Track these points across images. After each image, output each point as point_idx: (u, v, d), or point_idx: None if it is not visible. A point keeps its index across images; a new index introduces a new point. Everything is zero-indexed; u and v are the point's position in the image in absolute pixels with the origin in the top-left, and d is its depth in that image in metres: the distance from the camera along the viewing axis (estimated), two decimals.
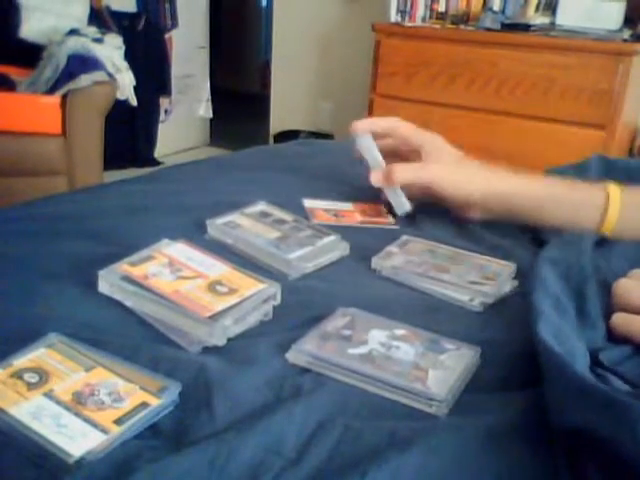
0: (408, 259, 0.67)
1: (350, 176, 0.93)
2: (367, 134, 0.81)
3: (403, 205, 0.79)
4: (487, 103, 2.60)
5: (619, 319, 0.53)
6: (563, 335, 0.47)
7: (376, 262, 0.66)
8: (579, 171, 0.90)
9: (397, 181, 0.77)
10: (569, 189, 0.76)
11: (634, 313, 0.53)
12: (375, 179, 0.79)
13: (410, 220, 0.81)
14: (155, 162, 3.69)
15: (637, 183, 0.76)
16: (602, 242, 0.69)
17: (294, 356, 0.49)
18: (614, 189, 0.74)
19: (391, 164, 0.79)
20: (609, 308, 0.55)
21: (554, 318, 0.49)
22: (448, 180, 0.77)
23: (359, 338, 0.51)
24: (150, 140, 3.72)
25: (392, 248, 0.69)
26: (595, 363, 0.47)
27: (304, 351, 0.49)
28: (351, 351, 0.49)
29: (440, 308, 0.60)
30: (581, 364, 0.44)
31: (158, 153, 3.78)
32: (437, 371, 0.48)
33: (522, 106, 2.53)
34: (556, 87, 2.45)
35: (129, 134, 3.57)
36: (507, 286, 0.64)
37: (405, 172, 0.78)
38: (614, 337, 0.52)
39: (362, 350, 0.50)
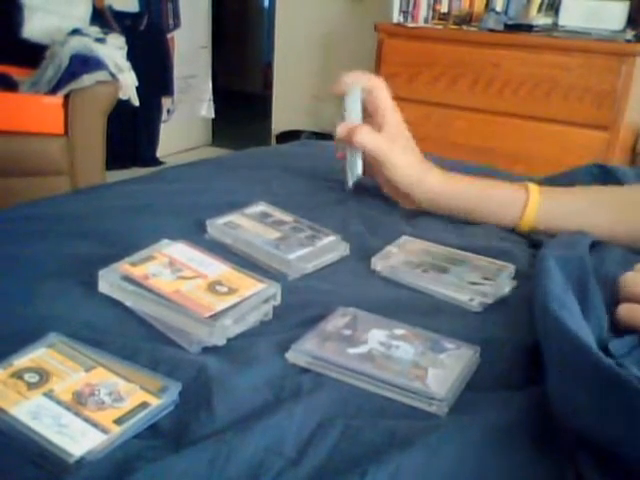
0: (407, 259, 0.67)
1: None
2: (357, 89, 0.81)
3: (356, 170, 0.80)
4: (490, 104, 2.60)
5: (625, 310, 0.53)
6: (575, 316, 0.48)
7: (376, 262, 0.66)
8: (571, 180, 0.87)
9: (356, 140, 0.78)
10: (492, 188, 0.80)
11: None
12: (340, 130, 0.79)
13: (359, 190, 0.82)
14: (157, 162, 3.69)
15: None
16: (593, 247, 0.70)
17: (294, 356, 0.49)
18: (533, 190, 0.78)
19: (361, 125, 0.79)
20: (609, 303, 0.55)
21: (565, 298, 0.50)
22: (403, 162, 0.79)
23: (359, 338, 0.51)
24: (152, 140, 3.73)
25: (391, 248, 0.69)
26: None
27: (304, 351, 0.49)
28: (351, 351, 0.49)
29: (440, 308, 0.60)
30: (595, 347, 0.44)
31: (160, 153, 3.78)
32: (437, 370, 0.48)
33: (525, 107, 2.53)
34: (559, 88, 2.44)
35: (131, 134, 3.57)
36: (506, 287, 0.64)
37: (367, 137, 0.78)
38: (618, 329, 0.52)
39: (362, 350, 0.50)
